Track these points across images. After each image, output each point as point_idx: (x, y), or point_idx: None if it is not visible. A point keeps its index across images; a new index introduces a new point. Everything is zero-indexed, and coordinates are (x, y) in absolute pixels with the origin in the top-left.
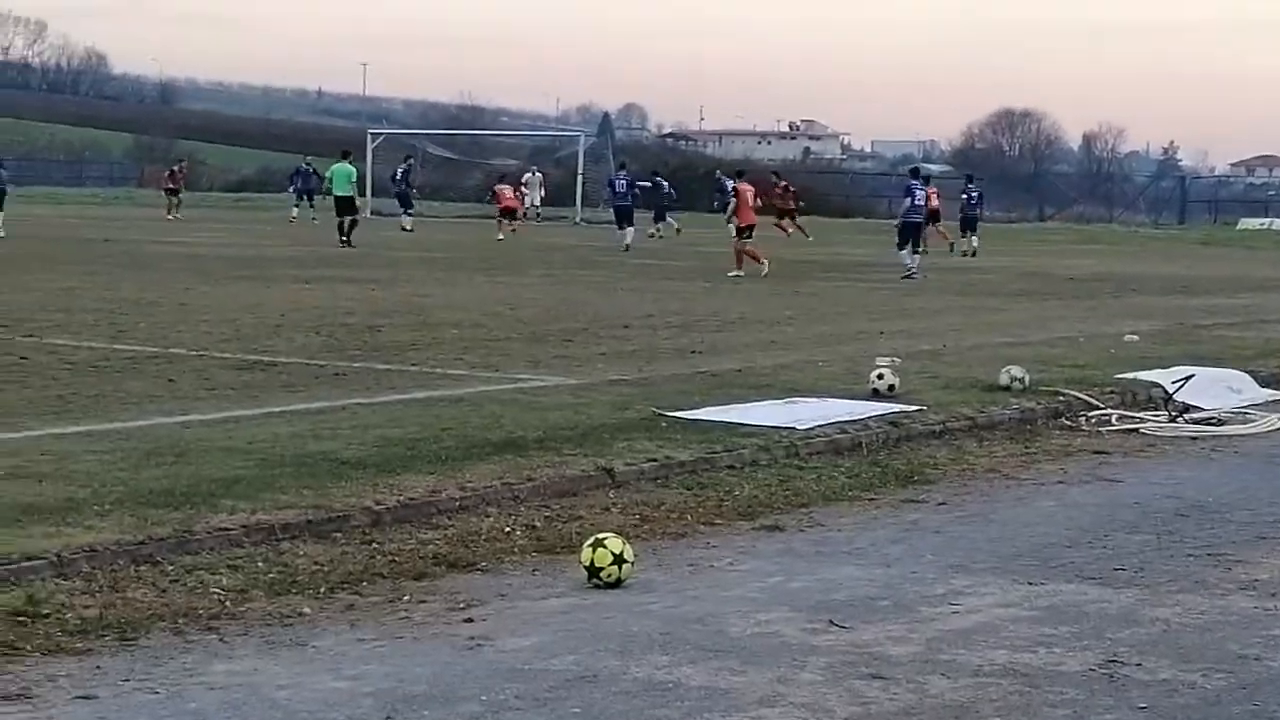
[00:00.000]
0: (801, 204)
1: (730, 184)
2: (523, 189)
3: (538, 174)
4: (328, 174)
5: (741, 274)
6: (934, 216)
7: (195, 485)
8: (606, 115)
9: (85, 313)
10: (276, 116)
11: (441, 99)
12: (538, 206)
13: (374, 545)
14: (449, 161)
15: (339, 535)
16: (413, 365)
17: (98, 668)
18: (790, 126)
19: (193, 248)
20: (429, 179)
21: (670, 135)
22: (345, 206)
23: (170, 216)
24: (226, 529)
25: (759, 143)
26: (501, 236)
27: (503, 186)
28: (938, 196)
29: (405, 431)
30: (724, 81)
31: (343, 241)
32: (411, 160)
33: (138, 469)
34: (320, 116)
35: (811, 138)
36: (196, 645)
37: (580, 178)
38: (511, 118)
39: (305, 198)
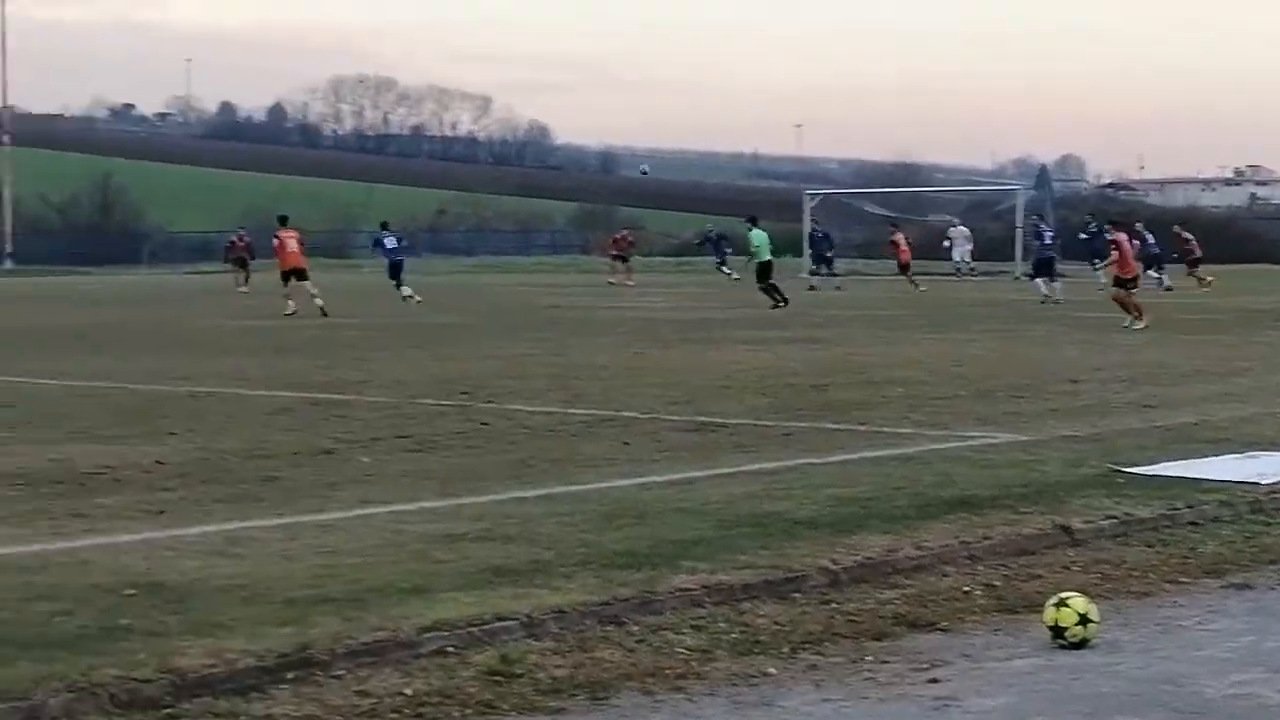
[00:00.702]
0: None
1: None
2: (945, 242)
3: (962, 228)
4: (752, 238)
5: (1143, 324)
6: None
7: (655, 546)
8: (1044, 168)
9: (539, 378)
10: (712, 180)
11: (875, 157)
12: (969, 261)
13: (833, 605)
14: (887, 219)
15: (798, 595)
16: (860, 424)
17: None
18: (1235, 172)
19: (638, 312)
20: (866, 237)
21: (1110, 185)
22: (768, 270)
23: (612, 281)
24: (688, 589)
25: (1202, 190)
26: (923, 288)
27: (898, 236)
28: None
29: (857, 491)
30: (1164, 128)
31: (779, 302)
32: (816, 222)
33: (599, 531)
34: (755, 179)
35: (1258, 183)
36: (665, 705)
37: (1020, 231)
38: (946, 173)
39: (723, 261)
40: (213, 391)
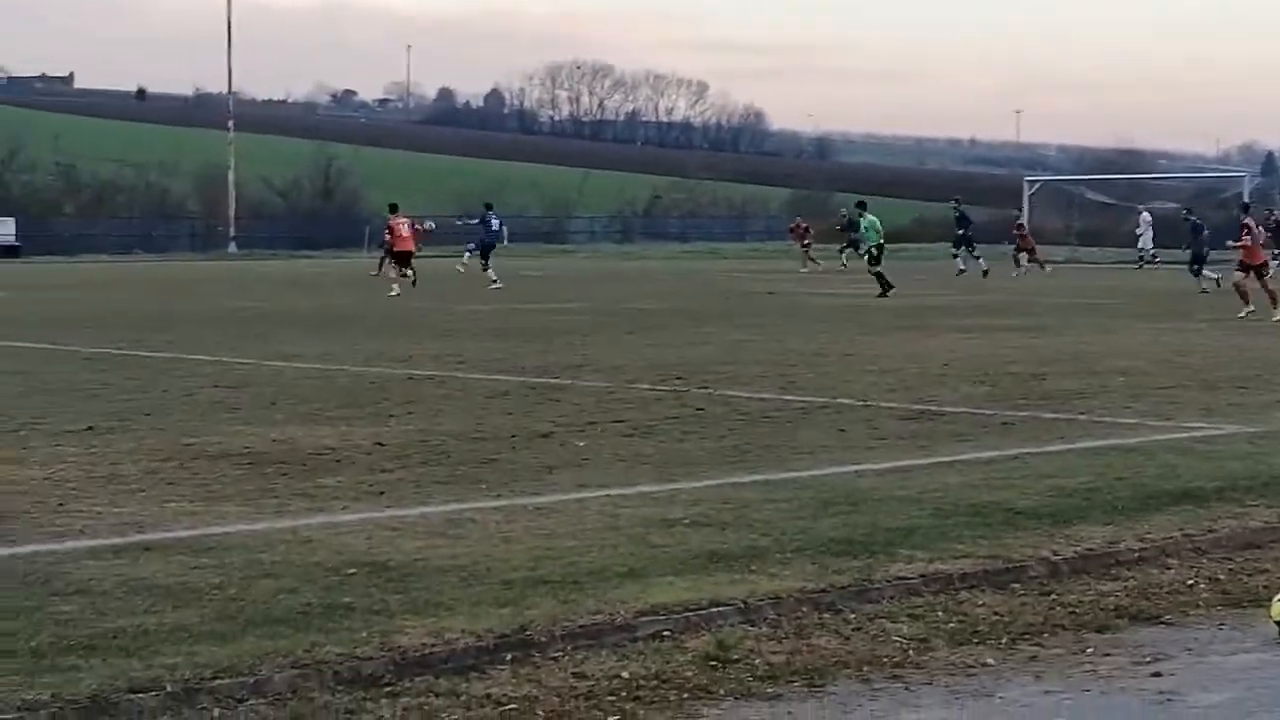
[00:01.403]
0: None
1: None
2: (1135, 231)
3: (1146, 215)
4: (867, 225)
5: (1245, 312)
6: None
7: (872, 534)
8: (1270, 154)
9: (754, 364)
10: (930, 167)
11: (1096, 143)
12: (1150, 249)
13: (1053, 596)
14: (1107, 207)
15: (1017, 586)
16: (1080, 414)
17: (789, 713)
18: None
19: (852, 299)
20: (1088, 224)
21: None
22: (878, 255)
23: (804, 269)
24: (905, 578)
25: None
26: (1014, 274)
27: (1022, 221)
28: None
29: (1078, 481)
30: None
31: (884, 290)
32: (957, 202)
33: (815, 518)
34: (973, 165)
35: None
36: (882, 694)
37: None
38: (1170, 160)
39: (851, 246)
40: (431, 374)
